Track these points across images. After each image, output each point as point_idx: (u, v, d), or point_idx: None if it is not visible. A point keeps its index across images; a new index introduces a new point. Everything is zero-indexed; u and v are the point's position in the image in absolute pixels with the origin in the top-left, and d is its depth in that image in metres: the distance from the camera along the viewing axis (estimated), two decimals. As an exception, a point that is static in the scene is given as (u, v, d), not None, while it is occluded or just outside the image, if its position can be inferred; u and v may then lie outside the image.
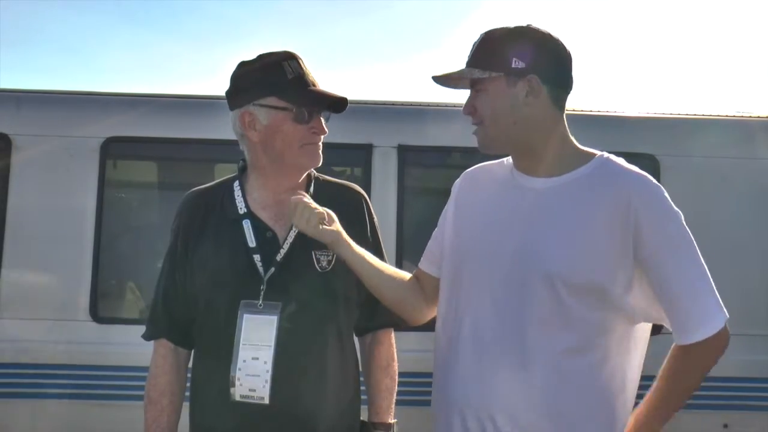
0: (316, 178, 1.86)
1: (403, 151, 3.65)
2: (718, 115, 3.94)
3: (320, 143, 1.77)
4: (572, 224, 1.60)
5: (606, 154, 1.69)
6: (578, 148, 1.72)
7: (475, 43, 1.69)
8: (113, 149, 3.61)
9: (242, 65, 1.77)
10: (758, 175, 3.72)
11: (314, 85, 1.74)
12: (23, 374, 3.38)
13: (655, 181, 1.62)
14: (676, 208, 1.60)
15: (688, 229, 1.61)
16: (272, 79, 1.71)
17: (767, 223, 3.66)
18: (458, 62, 1.72)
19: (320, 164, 1.80)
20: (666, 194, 1.61)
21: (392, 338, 1.91)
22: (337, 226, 1.69)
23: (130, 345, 3.35)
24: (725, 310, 1.60)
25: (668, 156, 3.71)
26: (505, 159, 1.82)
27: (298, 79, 1.71)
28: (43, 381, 3.37)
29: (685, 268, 1.59)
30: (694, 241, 1.61)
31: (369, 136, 3.62)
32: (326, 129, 1.77)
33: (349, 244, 1.72)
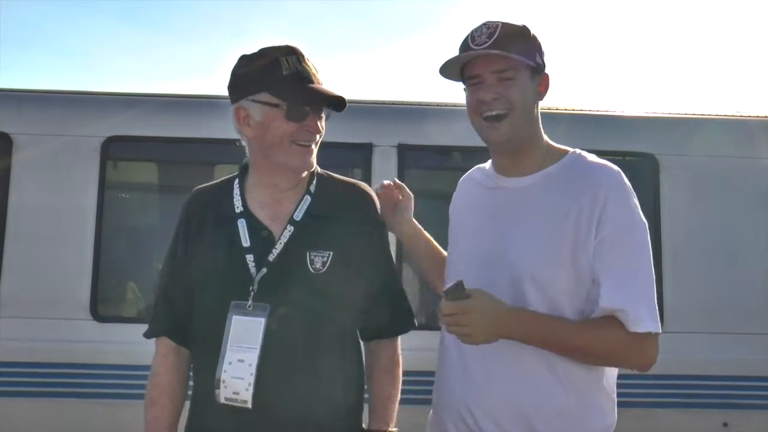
0: (320, 175, 1.80)
1: (403, 150, 3.66)
2: (718, 115, 3.95)
3: (314, 144, 1.70)
4: (544, 221, 1.61)
5: (578, 151, 1.72)
6: (552, 145, 1.75)
7: (495, 29, 1.63)
8: (113, 149, 3.62)
9: (242, 59, 1.71)
10: (758, 175, 3.72)
11: (312, 82, 1.67)
12: (23, 373, 3.38)
13: (623, 174, 1.65)
14: (636, 202, 1.62)
15: (644, 219, 1.62)
16: (267, 74, 1.65)
17: (767, 223, 3.67)
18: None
19: (312, 168, 1.73)
20: (628, 184, 1.63)
21: (398, 345, 1.84)
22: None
23: (130, 343, 3.35)
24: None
25: (668, 156, 3.71)
26: (484, 164, 1.85)
27: (293, 75, 1.64)
28: (43, 380, 3.37)
29: (632, 259, 1.59)
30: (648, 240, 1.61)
31: (369, 136, 3.62)
32: (322, 128, 1.70)
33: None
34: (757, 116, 3.98)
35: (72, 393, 3.36)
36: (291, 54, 1.66)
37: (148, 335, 1.83)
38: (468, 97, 1.71)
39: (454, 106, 3.83)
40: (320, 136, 1.71)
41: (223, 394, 1.61)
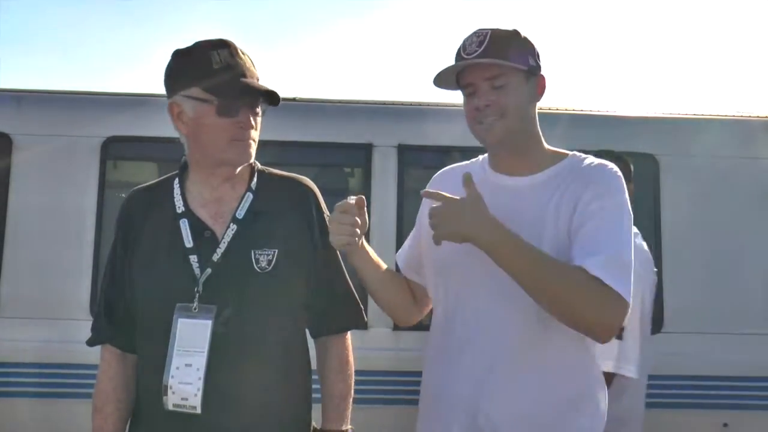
0: (261, 171, 1.75)
1: (403, 150, 3.65)
2: (718, 115, 3.94)
3: (251, 139, 1.64)
4: (558, 220, 1.62)
5: (577, 154, 1.74)
6: (549, 148, 1.77)
7: (485, 37, 1.65)
8: (113, 149, 3.62)
9: (175, 53, 1.66)
10: (758, 175, 3.72)
11: (245, 76, 1.61)
12: (23, 373, 3.38)
13: (616, 168, 1.68)
14: (624, 191, 1.64)
15: (630, 212, 1.64)
16: (198, 68, 1.59)
17: (767, 223, 3.67)
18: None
19: (250, 161, 1.68)
20: (622, 179, 1.66)
21: (348, 341, 1.79)
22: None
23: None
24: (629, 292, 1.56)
25: (668, 156, 3.71)
26: (476, 159, 1.85)
27: (224, 70, 1.58)
28: (43, 380, 3.37)
29: (611, 230, 1.59)
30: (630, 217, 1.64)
31: (369, 136, 3.60)
32: (256, 124, 1.64)
33: (362, 253, 1.73)
34: (758, 116, 3.98)
35: (72, 394, 3.35)
36: (223, 47, 1.60)
37: (90, 343, 1.76)
38: (465, 105, 1.74)
39: (454, 106, 3.82)
40: (256, 132, 1.65)
41: (171, 401, 1.55)
